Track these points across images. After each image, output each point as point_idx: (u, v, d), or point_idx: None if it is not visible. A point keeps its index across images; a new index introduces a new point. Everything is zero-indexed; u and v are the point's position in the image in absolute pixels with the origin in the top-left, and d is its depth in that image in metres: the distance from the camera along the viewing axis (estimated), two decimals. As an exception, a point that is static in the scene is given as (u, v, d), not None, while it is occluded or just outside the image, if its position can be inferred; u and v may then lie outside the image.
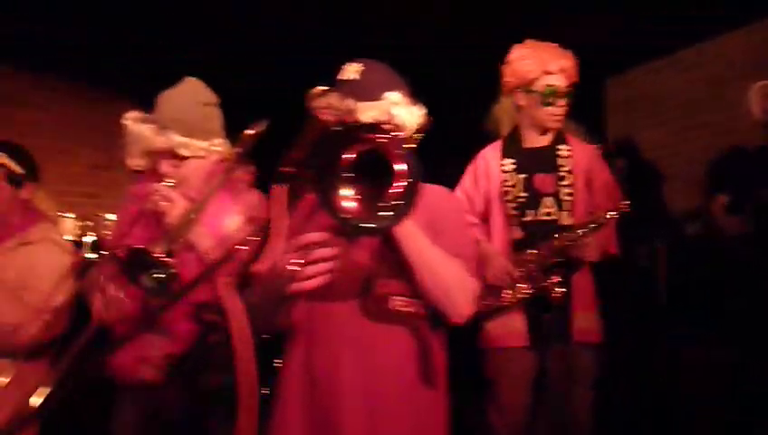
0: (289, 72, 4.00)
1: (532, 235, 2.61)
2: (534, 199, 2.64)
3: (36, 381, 2.11)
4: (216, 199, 2.08)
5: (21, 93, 4.53)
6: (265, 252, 1.83)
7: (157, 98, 2.14)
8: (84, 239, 4.15)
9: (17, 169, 2.31)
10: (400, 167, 1.35)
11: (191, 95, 2.13)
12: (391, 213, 1.34)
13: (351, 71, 1.73)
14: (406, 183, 1.33)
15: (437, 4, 4.06)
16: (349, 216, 1.36)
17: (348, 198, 1.38)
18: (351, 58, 1.78)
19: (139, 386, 2.09)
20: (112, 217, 4.28)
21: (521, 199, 2.65)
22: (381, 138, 1.35)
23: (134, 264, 1.81)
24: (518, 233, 2.64)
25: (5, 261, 2.24)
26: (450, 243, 1.62)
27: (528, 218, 2.64)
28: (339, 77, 1.74)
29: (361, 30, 4.24)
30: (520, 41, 2.78)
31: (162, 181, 2.07)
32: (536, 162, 2.68)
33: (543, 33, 2.77)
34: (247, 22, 4.34)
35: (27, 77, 4.56)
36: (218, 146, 2.12)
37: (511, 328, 2.58)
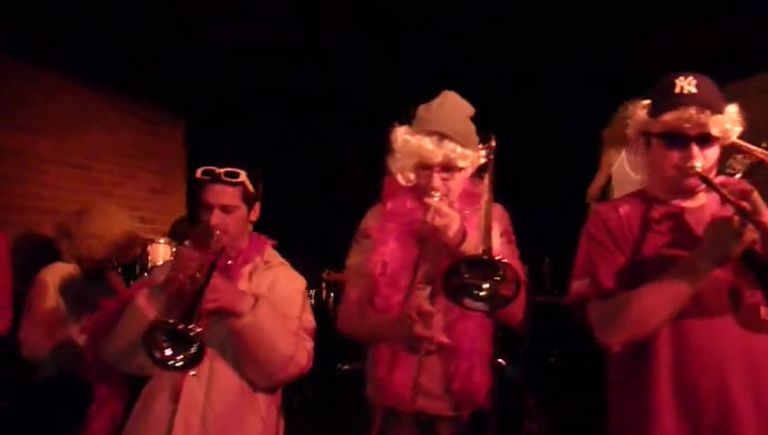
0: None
1: None
2: None
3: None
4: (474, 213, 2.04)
5: (92, 112, 4.22)
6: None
7: (420, 111, 2.06)
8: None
9: (252, 189, 2.14)
10: None
11: (460, 108, 2.07)
12: None
13: (687, 84, 1.73)
14: None
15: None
16: None
17: None
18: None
19: (410, 413, 1.98)
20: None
21: None
22: None
23: (451, 278, 1.72)
24: None
25: (253, 287, 2.06)
26: None
27: None
28: (673, 91, 1.73)
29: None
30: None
31: (431, 196, 1.99)
32: None
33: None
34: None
35: (99, 95, 4.27)
36: (482, 158, 2.06)
37: None
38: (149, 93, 4.48)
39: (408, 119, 2.08)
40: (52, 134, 3.88)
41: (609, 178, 3.96)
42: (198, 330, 1.67)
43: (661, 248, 1.72)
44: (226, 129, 4.97)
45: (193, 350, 1.68)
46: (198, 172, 2.08)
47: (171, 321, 1.68)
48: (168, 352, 1.69)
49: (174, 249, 3.87)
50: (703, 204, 1.77)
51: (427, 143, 1.95)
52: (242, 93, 4.97)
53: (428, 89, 2.11)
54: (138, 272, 3.71)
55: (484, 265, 1.67)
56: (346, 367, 4.01)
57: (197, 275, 1.85)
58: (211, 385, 1.92)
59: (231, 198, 2.06)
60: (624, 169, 3.84)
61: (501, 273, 1.66)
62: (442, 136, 1.95)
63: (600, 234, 1.80)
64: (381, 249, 2.03)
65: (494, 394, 2.03)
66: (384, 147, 2.07)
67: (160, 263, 3.75)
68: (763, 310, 1.64)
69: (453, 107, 2.05)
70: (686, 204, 1.77)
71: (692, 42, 4.32)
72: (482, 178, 2.08)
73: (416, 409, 1.97)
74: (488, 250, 1.70)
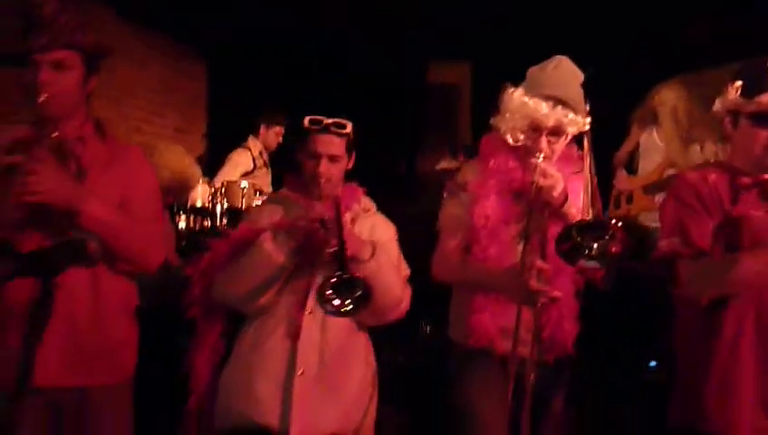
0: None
1: None
2: None
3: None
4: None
5: (123, 45, 4.10)
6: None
7: (533, 73, 2.14)
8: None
9: (352, 137, 2.19)
10: None
11: (575, 73, 2.13)
12: None
13: None
14: None
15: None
16: None
17: None
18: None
19: (499, 355, 2.11)
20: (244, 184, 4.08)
21: None
22: None
23: (563, 241, 1.87)
24: None
25: (356, 234, 2.11)
26: None
27: None
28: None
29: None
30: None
31: (536, 156, 2.08)
32: None
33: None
34: None
35: (128, 27, 4.15)
36: (587, 124, 2.15)
37: None
38: (175, 29, 4.37)
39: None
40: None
41: (636, 146, 4.20)
42: (358, 274, 1.79)
43: (750, 212, 1.89)
44: (248, 70, 4.92)
45: (359, 292, 1.79)
46: (306, 121, 2.12)
47: (336, 274, 1.78)
48: (337, 301, 1.79)
49: (211, 189, 3.91)
50: None
51: (543, 107, 2.03)
52: (263, 36, 4.90)
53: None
54: (175, 210, 3.72)
55: (595, 226, 1.81)
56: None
57: (328, 225, 1.92)
58: (326, 324, 2.02)
59: (338, 148, 2.12)
60: (653, 138, 4.07)
61: (610, 232, 1.79)
62: (557, 101, 2.04)
63: (691, 198, 1.96)
64: (483, 203, 2.13)
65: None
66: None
67: (199, 203, 3.78)
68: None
69: (568, 72, 2.12)
70: None
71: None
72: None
73: (504, 352, 2.11)
74: (598, 213, 1.86)
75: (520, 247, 2.12)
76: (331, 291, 1.78)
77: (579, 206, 2.09)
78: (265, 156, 4.80)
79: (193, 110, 4.77)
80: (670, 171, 3.84)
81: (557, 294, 1.97)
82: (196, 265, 2.12)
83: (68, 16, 1.81)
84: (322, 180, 2.09)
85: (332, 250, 1.90)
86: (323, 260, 2.02)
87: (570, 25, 4.72)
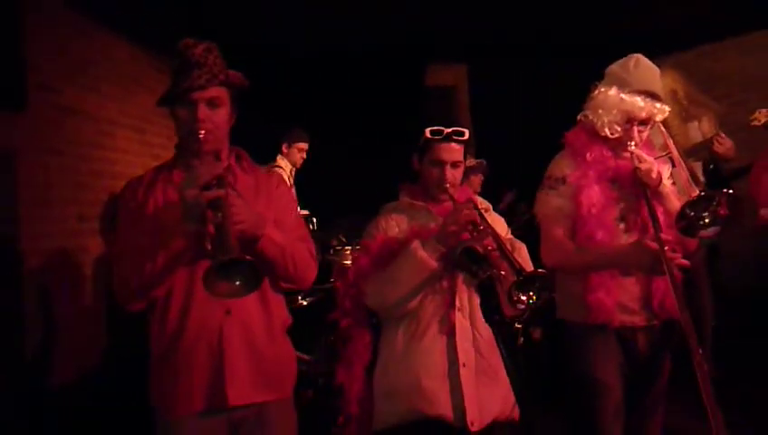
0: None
1: None
2: None
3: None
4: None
5: (142, 74, 4.06)
6: None
7: (615, 71, 2.39)
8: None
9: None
10: None
11: (654, 67, 2.37)
12: None
13: None
14: None
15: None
16: None
17: None
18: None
19: (614, 329, 2.33)
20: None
21: None
22: None
23: (680, 221, 2.15)
24: None
25: None
26: None
27: None
28: None
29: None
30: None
31: (629, 145, 2.32)
32: None
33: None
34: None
35: (146, 57, 4.11)
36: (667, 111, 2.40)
37: None
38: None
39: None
40: (115, 96, 3.74)
41: None
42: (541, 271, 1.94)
43: None
44: (263, 90, 4.93)
45: (537, 284, 1.92)
46: (428, 132, 2.25)
47: (517, 278, 1.90)
48: (523, 297, 1.92)
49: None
50: None
51: (639, 101, 2.28)
52: (267, 52, 4.91)
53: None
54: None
55: (703, 199, 2.13)
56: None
57: (481, 227, 2.05)
58: (473, 317, 2.16)
59: (458, 154, 2.26)
60: None
61: (717, 199, 2.11)
62: (649, 94, 2.30)
63: None
64: (588, 192, 2.34)
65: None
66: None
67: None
68: None
69: (649, 67, 2.37)
70: None
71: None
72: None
73: (618, 324, 2.33)
74: (703, 188, 2.13)
75: (620, 228, 2.36)
76: (516, 290, 1.90)
77: (667, 184, 2.37)
78: (293, 173, 4.86)
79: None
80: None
81: (685, 262, 2.21)
82: (344, 278, 2.23)
83: (214, 56, 1.89)
84: (448, 185, 2.25)
85: (492, 250, 2.03)
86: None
87: (561, 27, 4.96)
